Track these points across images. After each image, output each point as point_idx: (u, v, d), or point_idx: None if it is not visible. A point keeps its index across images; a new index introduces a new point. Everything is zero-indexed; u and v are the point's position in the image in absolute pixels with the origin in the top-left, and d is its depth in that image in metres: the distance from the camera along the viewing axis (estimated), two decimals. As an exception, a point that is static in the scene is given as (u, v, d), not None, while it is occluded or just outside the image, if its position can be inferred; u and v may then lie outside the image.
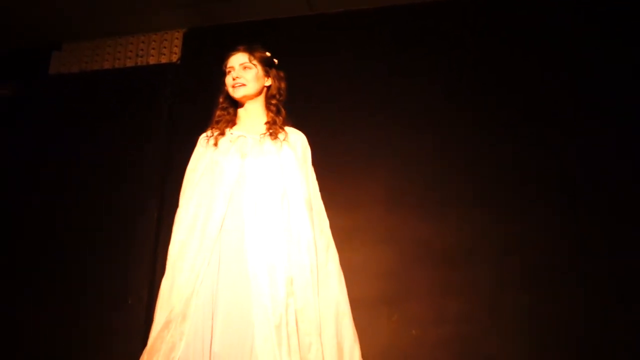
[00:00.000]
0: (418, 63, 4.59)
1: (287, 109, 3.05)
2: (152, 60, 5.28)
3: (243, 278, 2.63)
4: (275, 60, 3.10)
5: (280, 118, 2.99)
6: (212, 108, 3.09)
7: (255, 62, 2.98)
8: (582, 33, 4.32)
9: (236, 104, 3.03)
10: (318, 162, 3.07)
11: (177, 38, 5.26)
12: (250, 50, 3.01)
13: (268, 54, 3.07)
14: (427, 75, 4.54)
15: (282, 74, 3.09)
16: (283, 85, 3.07)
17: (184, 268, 2.69)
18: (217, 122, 3.00)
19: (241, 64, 2.97)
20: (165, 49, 5.25)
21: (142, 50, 5.31)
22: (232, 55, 3.02)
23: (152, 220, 4.77)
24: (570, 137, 4.13)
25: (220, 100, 3.05)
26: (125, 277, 4.62)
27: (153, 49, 5.28)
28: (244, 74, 2.95)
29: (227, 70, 3.00)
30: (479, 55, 4.49)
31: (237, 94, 2.96)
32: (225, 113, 3.02)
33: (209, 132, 2.99)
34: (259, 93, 3.01)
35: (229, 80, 2.98)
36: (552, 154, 4.14)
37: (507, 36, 4.47)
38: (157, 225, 4.73)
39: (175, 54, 5.23)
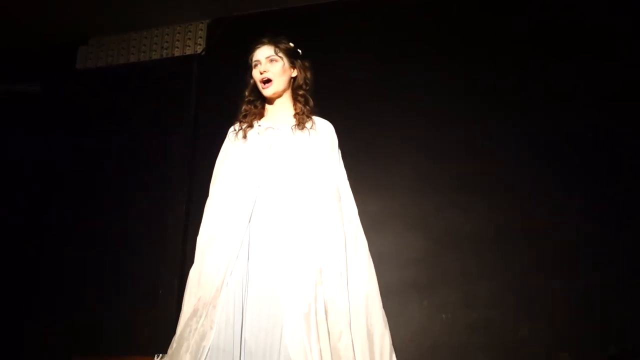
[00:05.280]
0: (448, 49, 4.60)
1: (314, 98, 3.06)
2: (177, 52, 5.34)
3: (272, 267, 2.65)
4: (300, 51, 3.10)
5: (308, 108, 3.00)
6: (238, 98, 3.10)
7: (281, 54, 2.99)
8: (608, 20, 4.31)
9: (263, 97, 3.04)
10: (347, 149, 3.08)
11: (201, 29, 5.30)
12: (275, 43, 3.01)
13: (292, 45, 3.08)
14: (458, 61, 4.54)
15: (307, 64, 3.09)
16: (309, 75, 3.07)
17: (212, 258, 2.71)
18: (245, 116, 3.02)
19: (267, 57, 2.98)
20: (190, 41, 5.28)
21: (167, 42, 5.35)
22: (257, 48, 3.02)
23: (180, 212, 4.83)
24: (601, 122, 4.12)
25: (247, 93, 3.07)
26: (157, 268, 4.71)
27: (178, 40, 5.32)
28: (271, 67, 2.96)
29: (254, 63, 3.02)
30: (508, 42, 4.48)
31: (266, 92, 2.98)
32: (252, 107, 3.04)
33: (237, 126, 3.02)
34: (287, 87, 3.03)
35: (256, 74, 3.00)
36: (579, 140, 4.13)
37: (532, 27, 4.47)
38: (185, 217, 4.80)
39: (200, 45, 5.26)
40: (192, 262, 2.83)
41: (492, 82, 4.40)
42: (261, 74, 2.97)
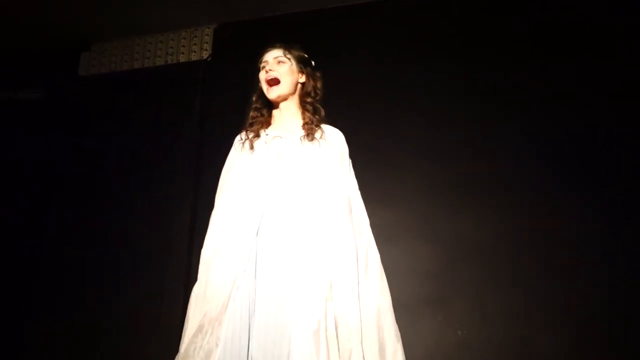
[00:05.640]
0: (458, 55, 4.54)
1: (323, 106, 3.03)
2: (182, 58, 5.29)
3: (280, 282, 2.61)
4: (313, 62, 3.09)
5: (318, 118, 2.96)
6: (245, 106, 3.08)
7: (289, 56, 2.99)
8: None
9: (270, 104, 3.02)
10: (357, 157, 3.04)
11: (207, 34, 5.26)
12: (285, 47, 3.02)
13: (305, 55, 3.07)
14: (467, 66, 4.48)
15: (318, 74, 3.07)
16: (319, 84, 3.05)
17: (218, 273, 2.68)
18: (252, 124, 2.99)
19: (275, 58, 2.98)
20: (196, 46, 5.26)
21: (171, 48, 5.32)
22: (267, 51, 3.02)
23: (186, 220, 4.79)
24: (616, 127, 4.04)
25: (254, 99, 3.05)
26: (162, 277, 4.67)
27: (183, 46, 5.29)
28: (277, 68, 2.95)
29: (261, 65, 3.00)
30: (519, 46, 4.41)
31: (271, 95, 2.95)
32: (259, 114, 3.02)
33: (243, 135, 2.99)
34: (293, 91, 3.00)
35: (262, 75, 2.98)
36: (597, 147, 4.05)
37: (540, 27, 4.41)
38: (191, 225, 4.75)
39: (206, 50, 5.23)
40: (197, 274, 2.79)
41: (507, 86, 4.33)
42: (267, 72, 2.95)
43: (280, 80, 2.94)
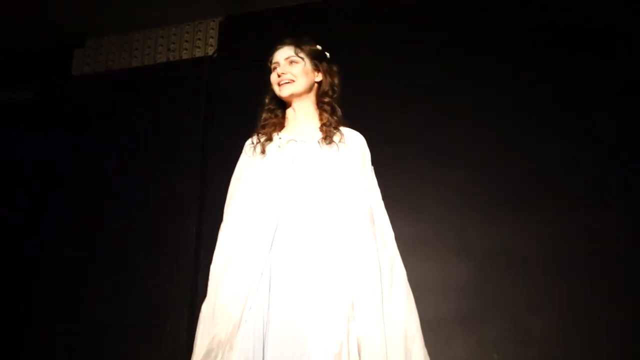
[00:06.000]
0: (489, 56, 4.55)
1: (340, 106, 2.99)
2: (185, 55, 5.33)
3: (297, 301, 2.59)
4: (327, 54, 3.06)
5: (336, 118, 2.94)
6: (254, 106, 3.06)
7: (302, 55, 2.95)
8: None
9: (284, 105, 3.00)
10: (378, 164, 3.02)
11: (212, 28, 5.29)
12: (297, 43, 2.98)
13: (319, 47, 3.03)
14: (502, 69, 4.48)
15: (334, 69, 3.04)
16: (336, 80, 3.02)
17: (228, 291, 2.66)
18: (264, 127, 2.97)
19: (287, 58, 2.94)
20: (200, 41, 5.28)
21: (173, 43, 5.35)
22: (277, 49, 2.99)
23: (190, 235, 4.81)
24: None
25: (266, 101, 3.03)
26: (165, 300, 4.69)
27: (186, 41, 5.31)
28: (291, 69, 2.92)
29: (272, 66, 2.97)
30: (554, 50, 4.42)
31: (283, 92, 2.92)
32: (272, 116, 3.00)
33: (254, 138, 2.96)
34: (309, 91, 2.97)
35: (274, 77, 2.95)
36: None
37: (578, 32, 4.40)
38: (196, 240, 4.77)
39: (211, 46, 5.25)
40: (204, 292, 2.78)
41: (547, 91, 4.35)
42: (279, 76, 2.93)
43: (295, 81, 2.92)
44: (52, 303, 5.04)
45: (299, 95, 2.95)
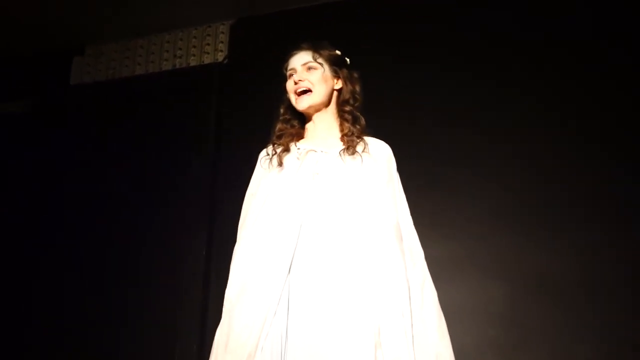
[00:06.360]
0: (523, 61, 4.55)
1: (362, 113, 3.01)
2: (193, 62, 5.34)
3: (318, 327, 2.59)
4: (347, 60, 3.08)
5: (359, 128, 2.96)
6: (268, 116, 3.09)
7: (321, 60, 2.97)
8: None
9: (301, 115, 3.02)
10: (405, 176, 3.03)
11: (222, 32, 5.30)
12: (315, 48, 2.99)
13: (338, 52, 3.06)
14: (537, 75, 4.49)
15: (355, 75, 3.06)
16: (358, 88, 3.04)
17: (243, 317, 2.66)
18: (279, 137, 2.99)
19: (304, 64, 2.96)
20: (209, 47, 5.29)
21: (180, 49, 5.37)
22: (293, 55, 3.01)
23: (200, 258, 4.81)
24: None
25: (282, 111, 3.06)
26: (173, 328, 4.71)
27: (194, 47, 5.33)
28: (308, 76, 2.94)
29: (288, 73, 3.00)
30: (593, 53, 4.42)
31: (301, 105, 2.95)
32: (289, 126, 3.02)
33: (270, 149, 2.98)
34: (328, 100, 3.00)
35: (289, 85, 2.98)
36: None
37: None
38: (206, 263, 4.78)
39: (221, 51, 5.26)
40: (214, 320, 2.82)
41: (580, 103, 4.34)
42: (295, 84, 2.95)
43: (313, 90, 2.93)
44: (53, 293, 5.18)
45: (318, 107, 2.98)
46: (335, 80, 3.01)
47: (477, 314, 4.09)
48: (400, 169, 3.01)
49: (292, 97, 2.97)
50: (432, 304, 2.78)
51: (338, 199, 2.79)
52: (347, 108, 2.99)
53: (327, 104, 3.00)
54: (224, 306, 2.79)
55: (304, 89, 2.93)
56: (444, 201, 4.35)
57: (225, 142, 5.06)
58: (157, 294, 4.84)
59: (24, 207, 5.49)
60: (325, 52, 3.00)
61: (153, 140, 5.23)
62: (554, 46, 4.47)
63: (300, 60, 2.98)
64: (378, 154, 2.94)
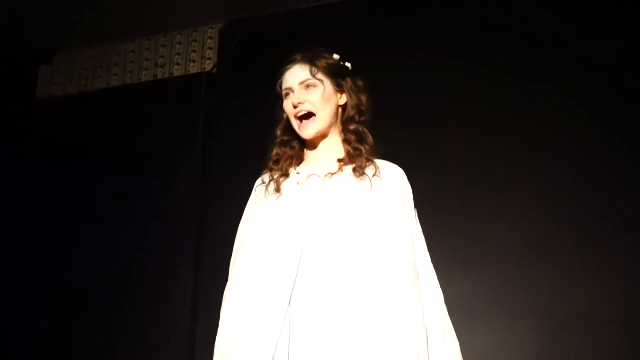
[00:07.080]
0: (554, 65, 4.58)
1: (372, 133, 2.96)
2: (177, 72, 5.36)
3: None
4: (349, 65, 3.03)
5: (367, 148, 2.91)
6: (263, 135, 3.07)
7: (320, 76, 2.90)
8: None
9: (300, 137, 2.96)
10: (420, 203, 2.98)
11: (210, 37, 5.32)
12: (311, 59, 2.93)
13: (336, 56, 3.01)
14: (569, 83, 4.52)
15: (359, 84, 3.02)
16: (364, 99, 3.00)
17: (238, 365, 2.63)
18: (277, 162, 2.95)
19: (302, 83, 2.90)
20: (196, 54, 5.32)
21: (162, 57, 5.39)
22: (287, 69, 2.95)
23: (186, 296, 4.82)
24: None
25: (279, 132, 3.02)
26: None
27: (178, 54, 5.35)
28: (308, 97, 2.88)
29: (284, 92, 2.95)
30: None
31: (306, 133, 2.89)
32: (288, 148, 2.99)
33: (266, 177, 2.94)
34: (334, 121, 2.96)
35: (288, 107, 2.92)
36: None
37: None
38: (193, 303, 4.79)
39: (210, 59, 5.27)
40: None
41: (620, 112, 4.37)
42: (295, 107, 2.89)
43: (316, 114, 2.88)
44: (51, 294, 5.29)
45: (325, 132, 2.94)
46: (339, 96, 2.97)
47: (507, 356, 4.14)
48: (415, 193, 2.96)
49: (295, 123, 2.92)
50: (454, 354, 2.76)
51: (343, 227, 2.74)
52: (353, 127, 2.95)
53: (333, 124, 2.96)
54: (214, 356, 2.74)
55: (306, 112, 2.88)
56: (464, 230, 4.38)
57: (213, 160, 5.10)
58: (142, 339, 4.89)
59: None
60: (323, 62, 2.94)
61: (132, 160, 5.26)
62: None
63: (297, 77, 2.92)
64: (391, 180, 2.89)
